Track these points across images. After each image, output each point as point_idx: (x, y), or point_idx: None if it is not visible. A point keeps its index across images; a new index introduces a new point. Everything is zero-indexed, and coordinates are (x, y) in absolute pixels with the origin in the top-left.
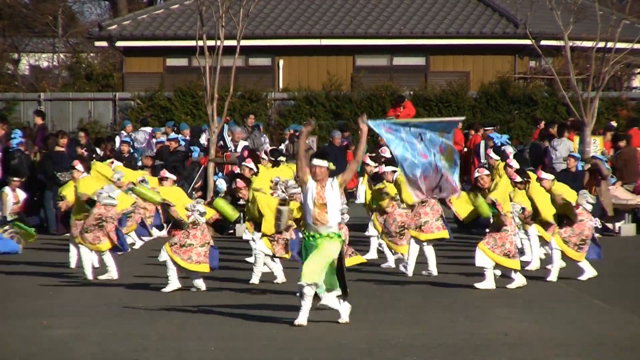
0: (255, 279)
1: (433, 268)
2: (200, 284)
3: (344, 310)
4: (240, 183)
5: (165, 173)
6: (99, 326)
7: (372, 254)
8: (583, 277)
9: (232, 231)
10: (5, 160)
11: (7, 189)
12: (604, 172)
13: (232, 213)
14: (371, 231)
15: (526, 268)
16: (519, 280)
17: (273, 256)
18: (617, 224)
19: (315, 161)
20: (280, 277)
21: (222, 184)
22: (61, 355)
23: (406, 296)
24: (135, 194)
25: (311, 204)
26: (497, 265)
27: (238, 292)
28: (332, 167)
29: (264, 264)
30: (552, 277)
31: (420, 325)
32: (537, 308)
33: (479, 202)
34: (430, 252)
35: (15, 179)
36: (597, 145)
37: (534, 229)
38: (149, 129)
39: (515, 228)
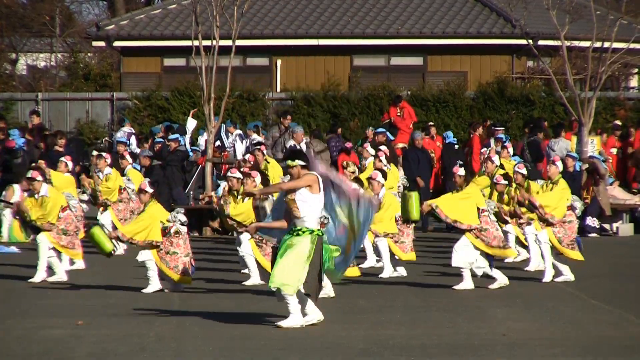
0: (255, 279)
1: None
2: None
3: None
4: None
5: (145, 186)
6: (97, 326)
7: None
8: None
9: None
10: (4, 160)
11: (16, 186)
12: (601, 172)
13: (107, 245)
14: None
15: (525, 268)
16: (500, 280)
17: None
18: (615, 225)
19: (289, 162)
20: (256, 279)
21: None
22: (59, 356)
23: (404, 296)
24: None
25: (285, 201)
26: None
27: (235, 293)
28: (300, 163)
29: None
30: (547, 277)
31: (418, 326)
32: (535, 308)
33: (411, 201)
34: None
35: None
36: (594, 145)
37: (532, 228)
38: (127, 129)
39: (495, 224)
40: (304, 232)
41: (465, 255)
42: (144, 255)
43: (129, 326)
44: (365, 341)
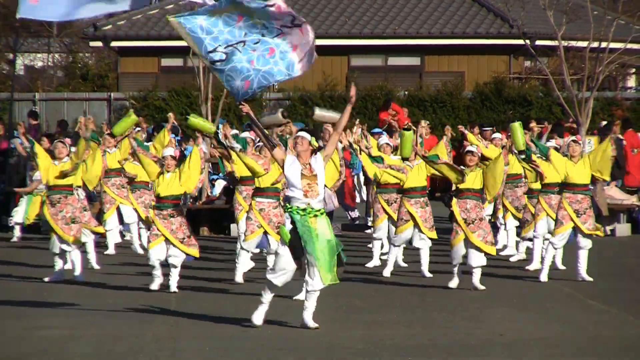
0: (238, 277)
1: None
2: (173, 283)
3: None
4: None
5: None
6: (94, 326)
7: (375, 261)
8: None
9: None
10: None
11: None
12: None
13: (208, 126)
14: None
15: (526, 267)
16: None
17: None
18: (608, 228)
19: (300, 133)
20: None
21: (220, 185)
22: (55, 356)
23: (402, 296)
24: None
25: (298, 177)
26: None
27: (232, 293)
28: (315, 143)
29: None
30: (543, 276)
31: (416, 326)
32: (532, 308)
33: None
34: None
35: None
36: (591, 145)
37: (541, 229)
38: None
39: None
40: (322, 213)
41: (480, 253)
42: (153, 254)
43: (126, 326)
44: (363, 341)
